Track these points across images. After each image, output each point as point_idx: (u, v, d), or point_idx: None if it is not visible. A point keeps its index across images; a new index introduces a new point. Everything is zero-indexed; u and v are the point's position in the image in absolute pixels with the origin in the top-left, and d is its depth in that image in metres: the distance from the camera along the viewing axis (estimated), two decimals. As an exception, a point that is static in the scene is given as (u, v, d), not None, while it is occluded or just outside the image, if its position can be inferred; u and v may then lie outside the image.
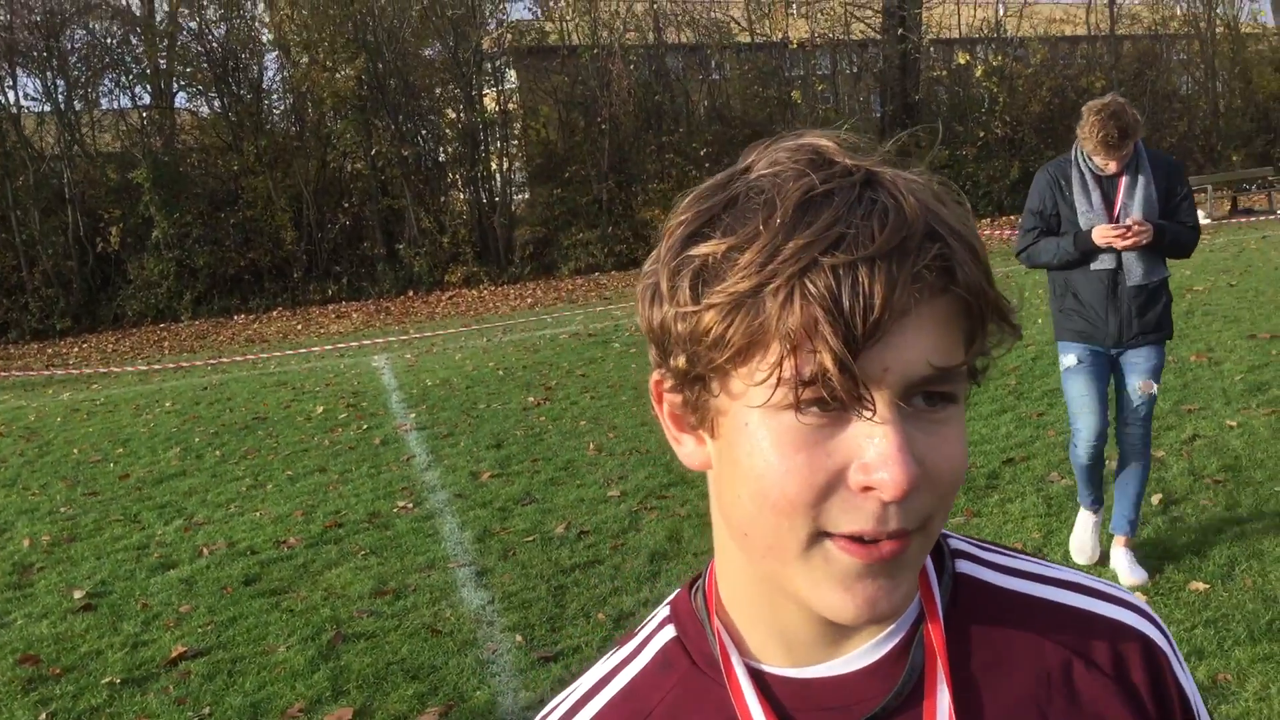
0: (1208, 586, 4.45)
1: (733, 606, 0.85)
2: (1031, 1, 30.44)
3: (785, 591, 0.77)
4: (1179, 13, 30.83)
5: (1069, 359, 4.80)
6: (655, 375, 0.80)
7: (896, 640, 0.82)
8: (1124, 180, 4.63)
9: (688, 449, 0.81)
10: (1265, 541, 4.82)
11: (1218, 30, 30.09)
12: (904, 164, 0.75)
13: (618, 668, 0.90)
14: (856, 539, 0.71)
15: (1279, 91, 30.08)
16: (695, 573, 0.93)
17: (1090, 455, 4.81)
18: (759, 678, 0.83)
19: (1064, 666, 0.83)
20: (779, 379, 0.69)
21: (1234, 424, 6.62)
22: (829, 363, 0.67)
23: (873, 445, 0.69)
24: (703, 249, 0.71)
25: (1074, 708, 0.82)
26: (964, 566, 0.88)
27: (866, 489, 0.70)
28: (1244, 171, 24.54)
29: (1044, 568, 0.90)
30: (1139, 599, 0.89)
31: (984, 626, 0.84)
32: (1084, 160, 4.66)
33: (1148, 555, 4.84)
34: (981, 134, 26.70)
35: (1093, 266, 4.65)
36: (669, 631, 0.89)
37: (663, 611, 0.91)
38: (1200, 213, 20.72)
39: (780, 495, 0.71)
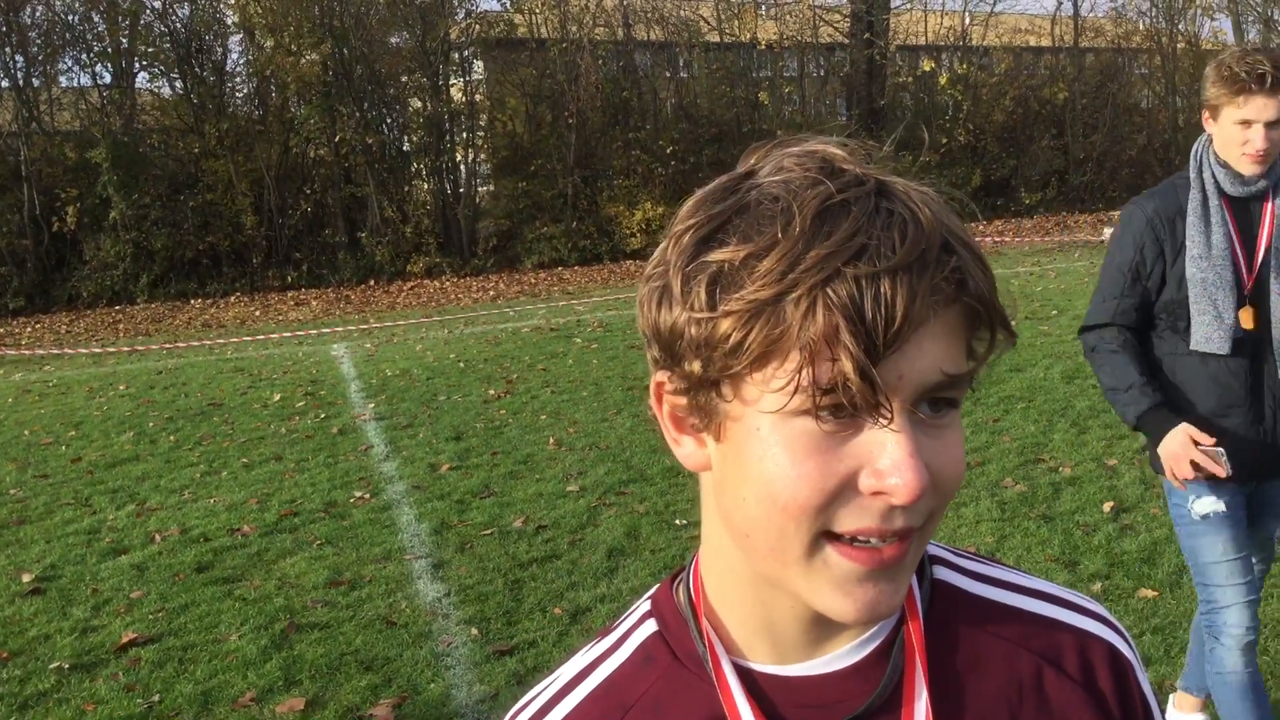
0: (1156, 593, 4.53)
1: (720, 603, 0.86)
2: (998, 11, 30.74)
3: (782, 591, 0.79)
4: (1141, 28, 31.28)
5: (1199, 505, 2.96)
6: (658, 377, 0.79)
7: (878, 642, 0.84)
8: (1273, 206, 2.91)
9: (687, 450, 0.81)
10: (1213, 550, 4.90)
11: (1179, 46, 30.55)
12: (907, 167, 0.78)
13: (597, 661, 0.90)
14: (859, 543, 0.73)
15: (1236, 108, 30.53)
16: (674, 568, 0.94)
17: (1245, 658, 2.94)
18: (745, 675, 0.84)
19: (1035, 673, 0.86)
20: (797, 386, 0.70)
21: (1185, 434, 6.72)
22: (850, 371, 0.68)
23: (886, 452, 0.71)
24: (719, 254, 0.72)
25: (1044, 712, 0.85)
26: (941, 573, 0.90)
27: (877, 494, 0.71)
28: (1200, 186, 24.86)
29: (1017, 576, 0.93)
30: (1105, 609, 0.93)
31: (961, 632, 0.87)
32: (1213, 168, 2.90)
33: (1099, 564, 4.91)
34: (945, 141, 26.95)
35: (1205, 347, 2.90)
36: (650, 626, 0.90)
37: (643, 606, 0.92)
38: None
39: (791, 499, 0.72)
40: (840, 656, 0.83)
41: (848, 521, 0.72)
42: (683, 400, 0.78)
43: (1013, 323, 0.78)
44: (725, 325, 0.71)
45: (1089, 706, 0.86)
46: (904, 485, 0.70)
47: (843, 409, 0.70)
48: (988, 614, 0.88)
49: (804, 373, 0.69)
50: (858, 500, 0.72)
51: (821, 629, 0.83)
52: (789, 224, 0.70)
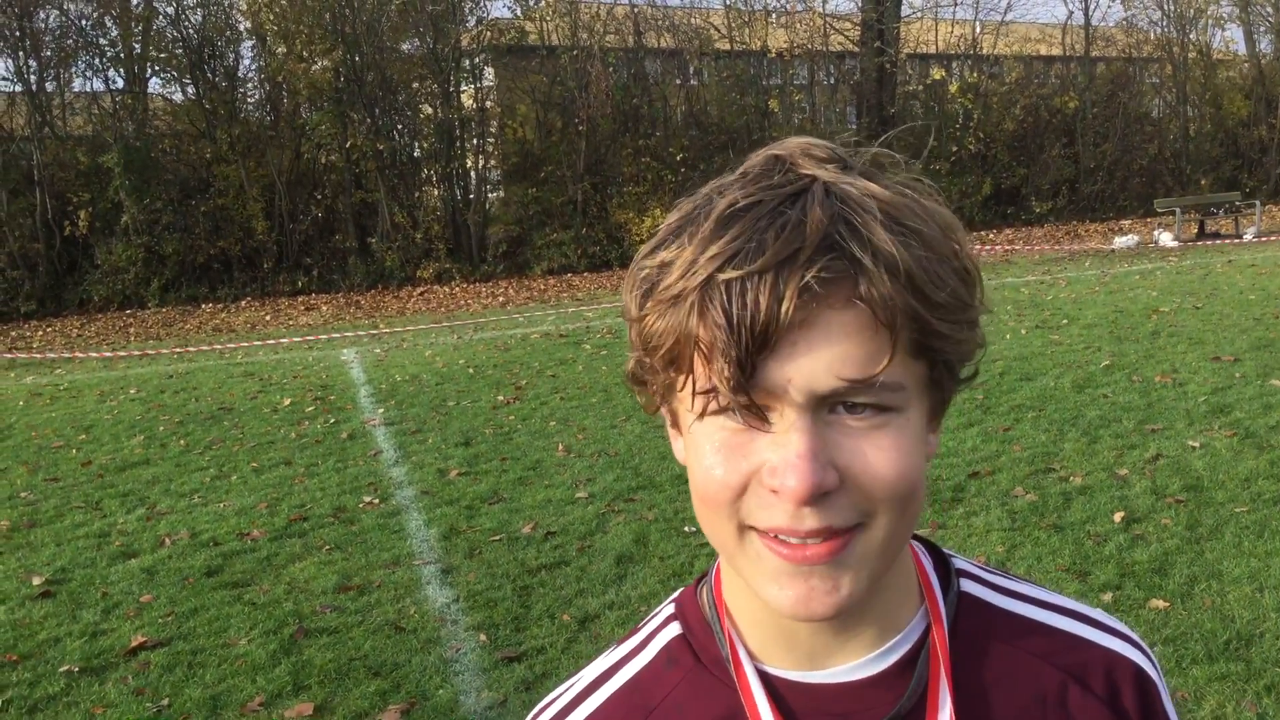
0: (1167, 604, 4.51)
1: (736, 607, 0.87)
2: (1008, 20, 30.71)
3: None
4: (1153, 37, 31.23)
5: None
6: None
7: (903, 652, 0.84)
8: None
9: (679, 447, 0.84)
10: (1225, 562, 4.89)
11: (1190, 56, 30.50)
12: (878, 173, 0.76)
13: (621, 662, 0.91)
14: (780, 538, 0.74)
15: (1248, 118, 30.54)
16: (683, 573, 0.94)
17: None
18: (766, 680, 0.84)
19: (1060, 689, 0.86)
20: (694, 388, 0.74)
21: (1196, 444, 6.71)
22: (722, 377, 0.71)
23: (778, 452, 0.72)
24: (649, 261, 0.76)
25: None
26: (968, 586, 0.90)
27: (774, 491, 0.73)
28: (1212, 195, 24.86)
29: (1044, 593, 0.92)
30: (1132, 630, 0.93)
31: (986, 645, 0.87)
32: None
33: (1110, 574, 4.89)
34: (955, 149, 26.92)
35: None
36: (674, 629, 0.90)
37: (667, 609, 0.93)
38: (1168, 235, 20.98)
39: (705, 492, 0.76)
40: (864, 665, 0.83)
41: (760, 518, 0.74)
42: (655, 400, 0.82)
43: (957, 326, 0.75)
44: (645, 325, 0.75)
45: None
46: (792, 485, 0.70)
47: (731, 411, 0.73)
48: (1014, 628, 0.88)
49: (700, 375, 0.73)
50: (764, 496, 0.73)
51: (834, 634, 0.83)
52: (696, 230, 0.73)
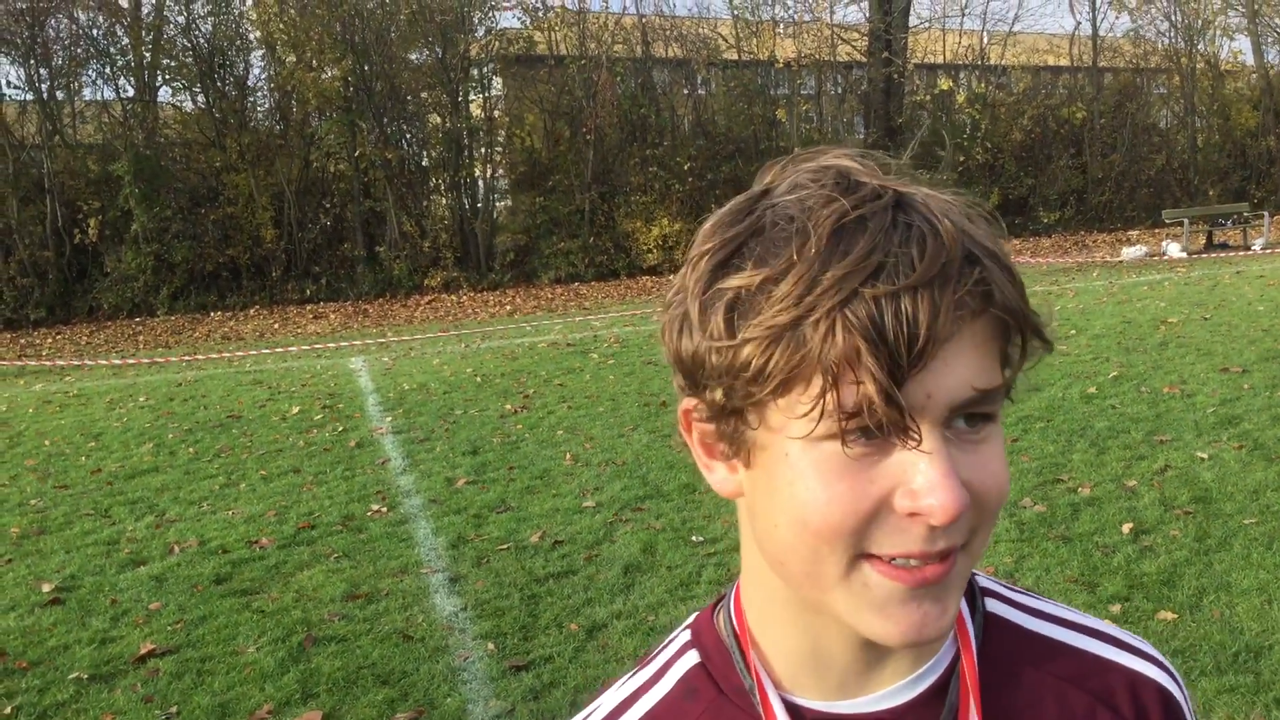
0: (1176, 616, 4.50)
1: (762, 634, 0.84)
2: (1016, 31, 30.74)
3: (827, 618, 0.76)
4: (1160, 48, 31.23)
5: None
6: (685, 404, 0.78)
7: (933, 679, 0.82)
8: None
9: (719, 476, 0.79)
10: (1234, 574, 4.88)
11: (1198, 67, 30.49)
12: (928, 181, 0.75)
13: (638, 693, 0.87)
14: (899, 562, 0.71)
15: (1256, 129, 30.51)
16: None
17: None
18: (794, 711, 0.82)
19: (1089, 712, 0.85)
20: (822, 411, 0.68)
21: (1205, 456, 6.69)
22: (874, 393, 0.66)
23: (919, 472, 0.68)
24: (735, 280, 0.70)
25: None
26: (994, 606, 0.88)
27: (913, 514, 0.69)
28: (1220, 206, 24.83)
29: (1069, 613, 0.91)
30: (1158, 651, 0.91)
31: (1015, 670, 0.85)
32: None
33: (1118, 585, 4.89)
34: (962, 159, 26.94)
35: None
36: (692, 657, 0.87)
37: (683, 635, 0.89)
38: (1176, 246, 20.94)
39: (823, 523, 0.70)
40: (893, 694, 0.81)
41: (887, 544, 0.70)
42: (710, 427, 0.76)
43: (1047, 329, 0.75)
44: (746, 352, 0.69)
45: None
46: (940, 506, 0.67)
47: (872, 432, 0.68)
48: (1041, 651, 0.87)
49: (828, 397, 0.67)
50: (895, 522, 0.70)
51: (871, 659, 0.80)
52: (804, 245, 0.68)
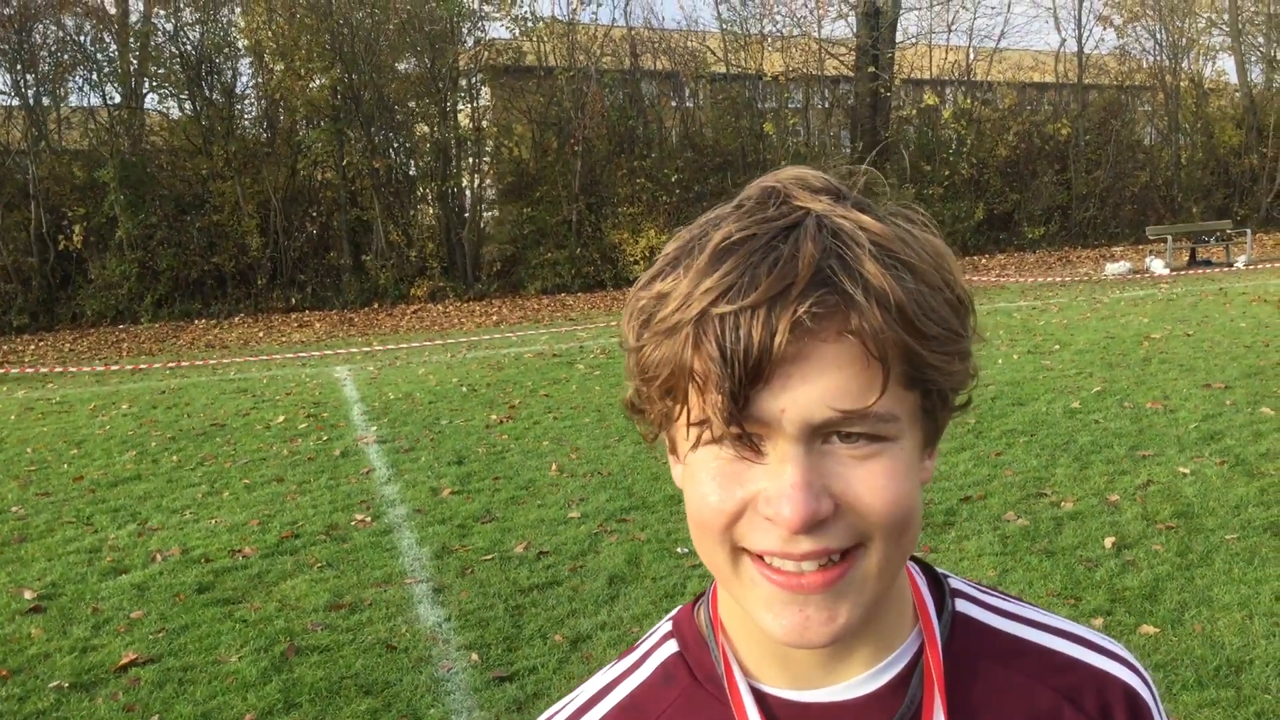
0: (1158, 630, 4.52)
1: (732, 626, 0.88)
2: (1002, 47, 30.94)
3: None
4: (1145, 66, 31.47)
5: None
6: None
7: (896, 671, 0.85)
8: None
9: (677, 472, 0.85)
10: (1215, 589, 4.91)
11: (1182, 84, 30.73)
12: (872, 203, 0.78)
13: (618, 679, 0.92)
14: (779, 564, 0.75)
15: (1239, 147, 30.75)
16: (673, 594, 0.95)
17: None
18: (760, 698, 0.86)
19: (1054, 710, 0.87)
20: (689, 420, 0.75)
21: (1187, 471, 6.73)
22: (715, 408, 0.72)
23: (773, 482, 0.73)
24: (645, 292, 0.78)
25: None
26: (963, 606, 0.91)
27: (770, 519, 0.74)
28: (1203, 224, 25.00)
29: (1039, 614, 0.93)
30: (1127, 651, 0.93)
31: (980, 665, 0.88)
32: None
33: (1100, 599, 4.91)
34: (948, 174, 27.06)
35: None
36: (671, 646, 0.92)
37: (664, 626, 0.94)
38: (1159, 262, 21.08)
39: (700, 518, 0.78)
40: (857, 684, 0.84)
41: (753, 540, 0.76)
42: (651, 429, 0.84)
43: (949, 358, 0.76)
44: (642, 355, 0.77)
45: None
46: (787, 514, 0.72)
47: (724, 441, 0.74)
48: (1008, 649, 0.89)
49: (695, 406, 0.74)
50: (759, 523, 0.75)
51: (829, 655, 0.84)
52: (691, 263, 0.74)
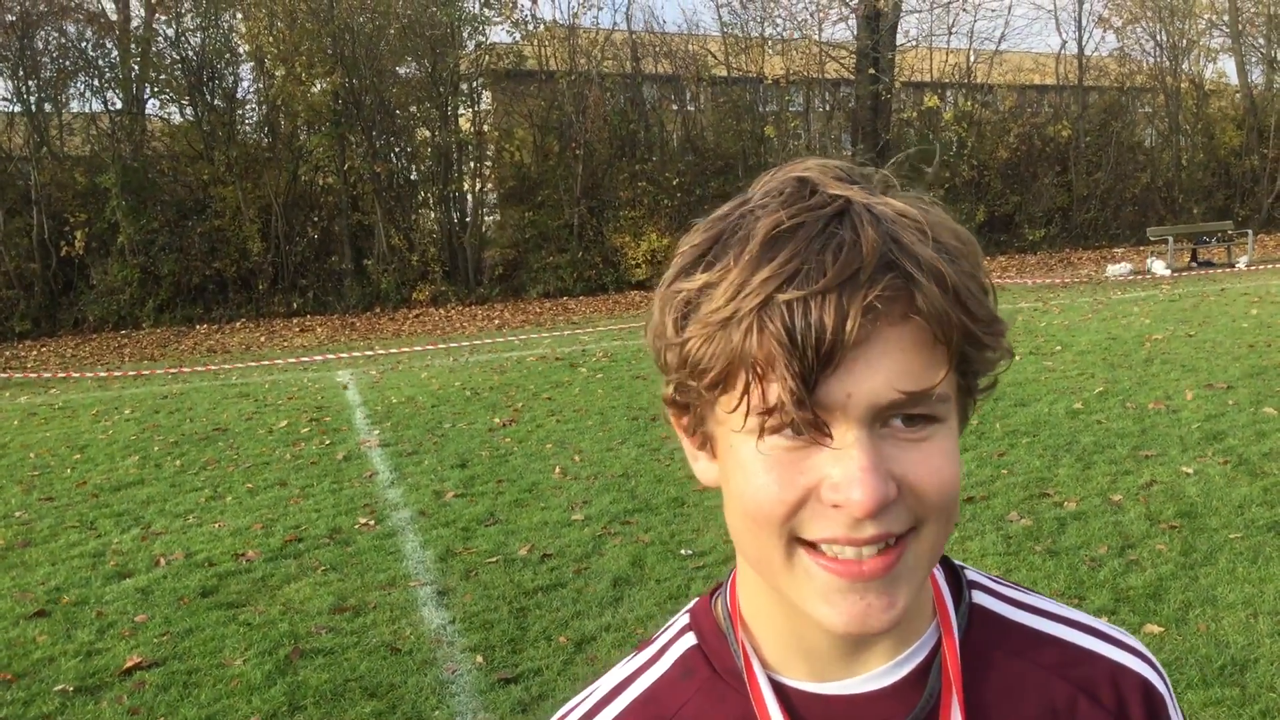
0: (1162, 629, 4.53)
1: (752, 619, 0.88)
2: (1002, 50, 30.94)
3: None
4: (1145, 67, 31.47)
5: None
6: (665, 396, 0.85)
7: (915, 664, 0.85)
8: None
9: (702, 466, 0.85)
10: (1219, 587, 4.91)
11: (1182, 86, 30.73)
12: (901, 191, 0.79)
13: (637, 672, 0.92)
14: (836, 551, 0.75)
15: (1240, 148, 30.75)
16: (715, 584, 0.95)
17: None
18: (780, 691, 0.85)
19: (1070, 701, 0.87)
20: (748, 407, 0.74)
21: (1190, 471, 6.73)
22: (785, 393, 0.71)
23: (840, 467, 0.73)
24: (687, 284, 0.76)
25: None
26: (980, 598, 0.91)
27: (836, 506, 0.73)
28: (1204, 224, 25.00)
29: (1055, 606, 0.94)
30: (1141, 644, 0.93)
31: (997, 657, 0.88)
32: None
33: (1104, 599, 4.91)
34: (948, 176, 27.06)
35: None
36: (689, 639, 0.91)
37: (682, 619, 0.94)
38: (1160, 263, 21.07)
39: (757, 510, 0.76)
40: (877, 676, 0.84)
41: (814, 529, 0.75)
42: (685, 420, 0.83)
43: (988, 339, 0.78)
44: (688, 349, 0.76)
45: None
46: (857, 499, 0.72)
47: (798, 427, 0.73)
48: (1024, 640, 0.89)
49: (754, 394, 0.73)
50: (821, 510, 0.74)
51: (853, 645, 0.83)
52: (741, 252, 0.73)
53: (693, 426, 0.82)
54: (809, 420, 0.72)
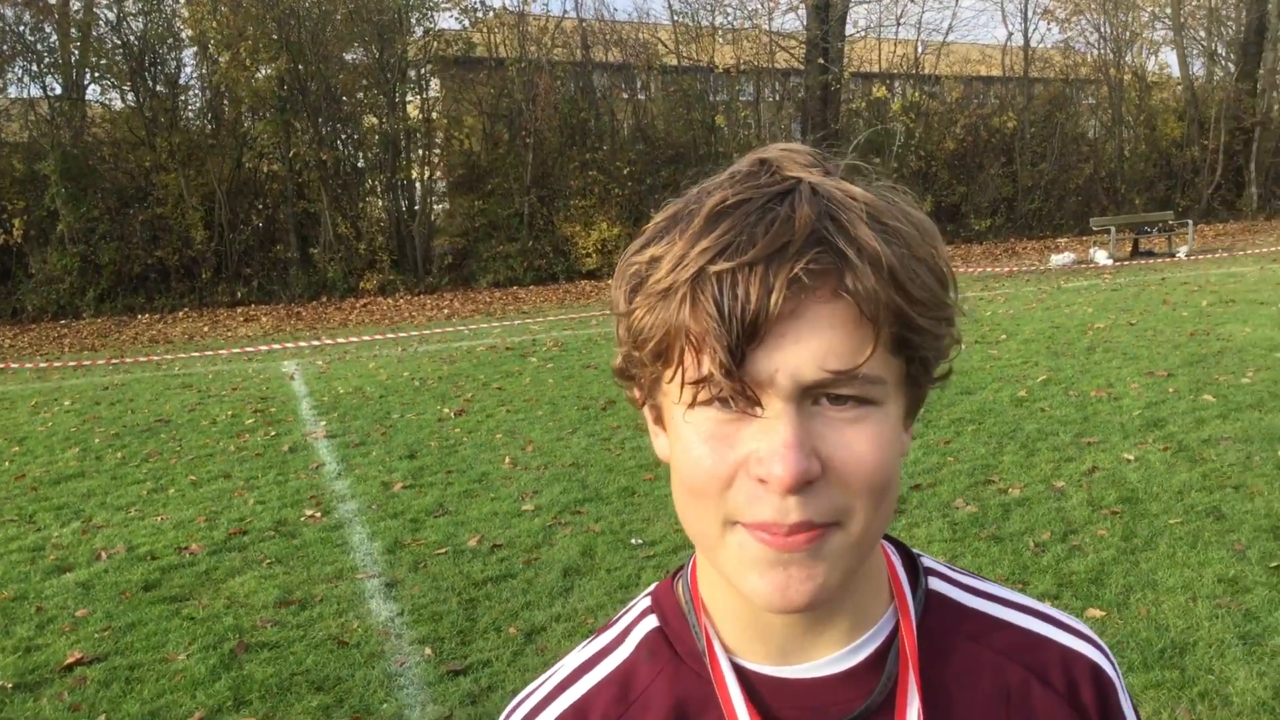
0: (1104, 613, 4.60)
1: (712, 602, 0.88)
2: (950, 41, 31.22)
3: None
4: (1089, 59, 31.91)
5: None
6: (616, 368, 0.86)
7: (873, 648, 0.86)
8: None
9: (660, 442, 0.85)
10: (1159, 572, 4.99)
11: (1125, 78, 31.20)
12: (859, 177, 0.79)
13: (600, 654, 0.92)
14: (764, 528, 0.75)
15: (1181, 139, 31.28)
16: (677, 567, 0.95)
17: None
18: (741, 673, 0.86)
19: (1023, 685, 0.89)
20: (683, 378, 0.75)
21: (1131, 457, 6.85)
22: (715, 364, 0.72)
23: (766, 440, 0.73)
24: (638, 258, 0.78)
25: None
26: (935, 584, 0.93)
27: (761, 480, 0.74)
28: (1145, 215, 25.42)
29: (1008, 593, 0.95)
30: (1091, 630, 0.95)
31: (953, 642, 0.89)
32: None
33: (1048, 584, 4.98)
34: (896, 167, 27.27)
35: None
36: (651, 621, 0.91)
37: (644, 602, 0.94)
38: (1103, 253, 21.38)
39: (693, 482, 0.77)
40: (836, 660, 0.85)
41: (747, 513, 0.75)
42: (635, 393, 0.84)
43: (937, 323, 0.77)
44: (633, 319, 0.77)
45: None
46: (777, 473, 0.72)
47: (723, 400, 0.74)
48: (979, 625, 0.91)
49: (690, 366, 0.74)
50: (752, 488, 0.75)
51: (806, 627, 0.84)
52: (687, 226, 0.75)
53: (642, 399, 0.84)
54: (738, 391, 0.73)
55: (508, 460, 7.89)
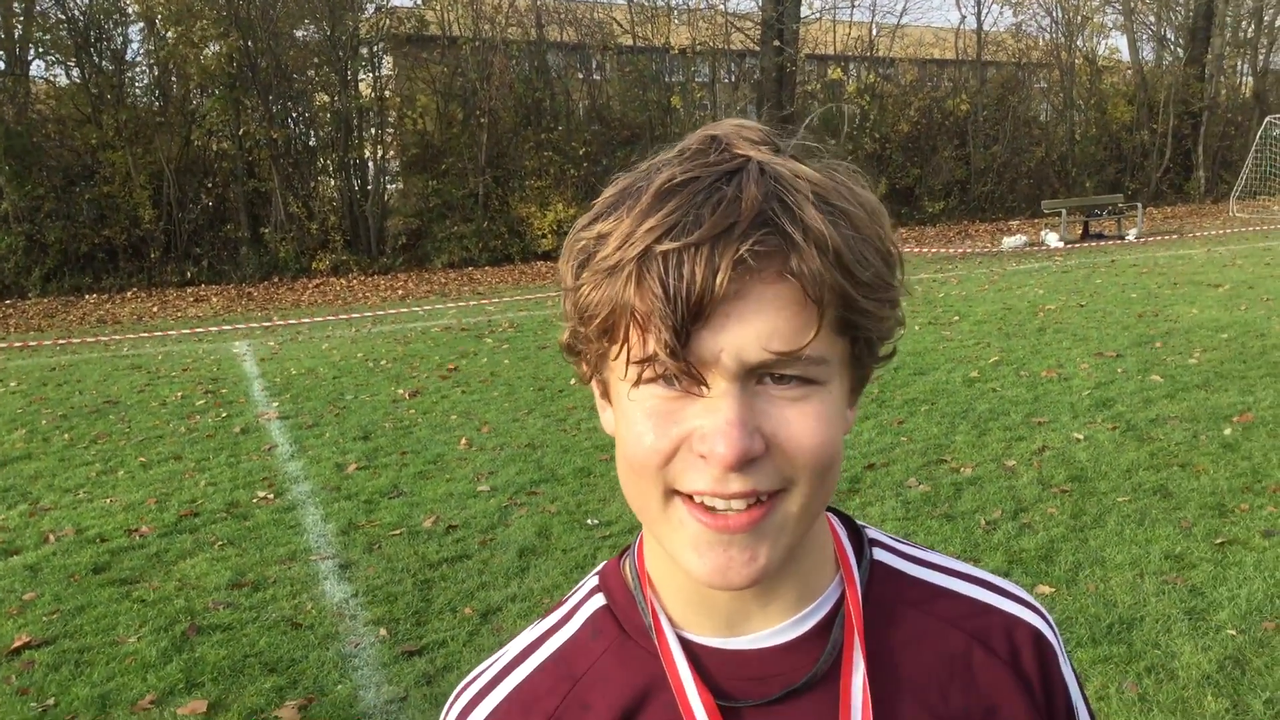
0: (1053, 590, 4.67)
1: (658, 578, 0.89)
2: (904, 24, 31.36)
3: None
4: (1041, 43, 32.21)
5: None
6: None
7: (819, 618, 0.87)
8: None
9: (607, 418, 0.85)
10: (1108, 549, 5.08)
11: (1077, 62, 31.53)
12: (808, 157, 0.79)
13: (546, 634, 0.93)
14: (706, 507, 0.76)
15: (1131, 123, 31.69)
16: (624, 546, 0.95)
17: None
18: (688, 647, 0.87)
19: (966, 651, 0.90)
20: (629, 356, 0.76)
21: (1081, 437, 6.95)
22: (660, 344, 0.73)
23: (709, 419, 0.74)
24: (586, 233, 0.78)
25: (972, 688, 0.89)
26: (880, 555, 0.94)
27: (703, 457, 0.75)
28: (1096, 197, 25.74)
29: (951, 562, 0.97)
30: (1033, 597, 0.97)
31: (897, 610, 0.91)
32: None
33: (998, 561, 5.05)
34: (851, 149, 27.39)
35: None
36: (598, 600, 0.92)
37: (591, 581, 0.95)
38: (1054, 235, 21.62)
39: (634, 457, 0.78)
40: (781, 631, 0.86)
41: (686, 481, 0.76)
42: (582, 368, 0.85)
43: (881, 305, 0.78)
44: (579, 295, 0.77)
45: (1015, 685, 0.90)
46: (719, 451, 0.73)
47: (668, 379, 0.75)
48: (923, 594, 0.92)
49: (635, 344, 0.75)
50: (693, 461, 0.75)
51: (752, 601, 0.85)
52: (634, 204, 0.75)
53: (589, 374, 0.84)
54: (682, 371, 0.73)
55: (463, 441, 7.85)
